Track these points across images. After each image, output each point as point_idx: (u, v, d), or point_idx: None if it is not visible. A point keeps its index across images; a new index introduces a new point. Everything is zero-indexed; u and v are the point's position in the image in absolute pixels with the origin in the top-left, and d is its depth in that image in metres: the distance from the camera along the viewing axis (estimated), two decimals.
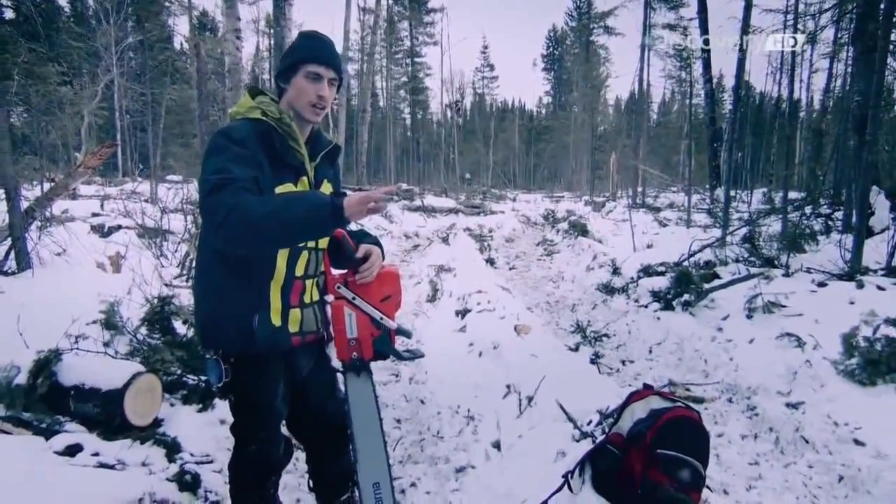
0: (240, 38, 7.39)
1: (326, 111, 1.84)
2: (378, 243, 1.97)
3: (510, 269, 10.11)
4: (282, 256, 1.78)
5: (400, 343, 1.97)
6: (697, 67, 19.83)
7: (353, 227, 2.07)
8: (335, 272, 1.95)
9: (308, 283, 1.88)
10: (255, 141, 1.70)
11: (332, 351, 2.00)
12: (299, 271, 1.83)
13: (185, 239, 6.89)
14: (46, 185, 6.78)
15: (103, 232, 8.41)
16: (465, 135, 56.28)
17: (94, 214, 10.57)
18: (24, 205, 5.28)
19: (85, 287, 4.64)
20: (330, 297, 1.93)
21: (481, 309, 6.01)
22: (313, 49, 1.79)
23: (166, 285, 5.29)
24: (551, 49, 62.70)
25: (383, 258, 1.95)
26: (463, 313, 6.11)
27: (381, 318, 1.87)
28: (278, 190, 1.72)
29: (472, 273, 8.28)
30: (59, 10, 34.38)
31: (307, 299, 1.88)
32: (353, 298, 1.87)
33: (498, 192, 36.54)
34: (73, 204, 11.43)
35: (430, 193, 25.71)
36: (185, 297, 4.56)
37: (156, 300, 4.01)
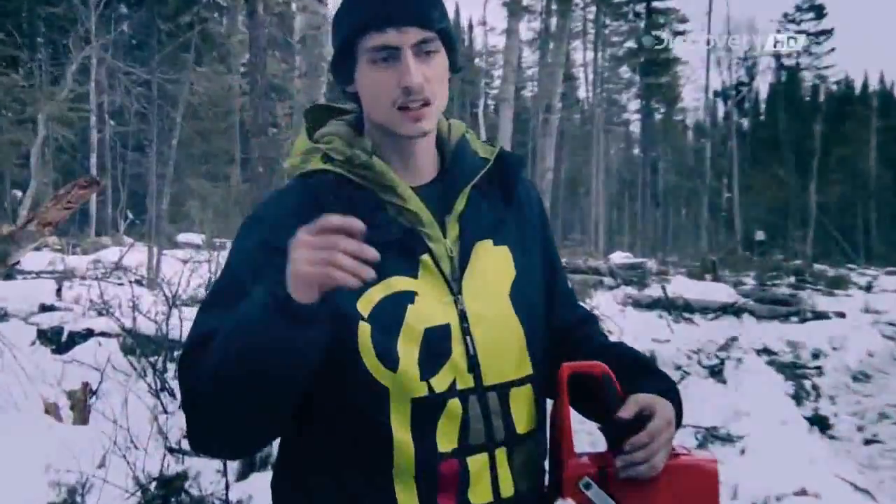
0: None
1: (436, 107, 1.63)
2: (672, 389, 1.70)
3: (867, 442, 9.22)
4: (399, 423, 1.57)
5: None
6: None
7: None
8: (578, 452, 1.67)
9: (477, 461, 1.64)
10: (305, 222, 1.49)
11: None
12: (446, 443, 1.60)
13: None
14: None
15: (60, 343, 8.27)
16: (753, 150, 47.43)
17: (45, 308, 10.08)
18: None
19: (23, 454, 4.65)
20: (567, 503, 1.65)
21: None
22: (362, 4, 1.62)
23: (171, 451, 5.17)
24: None
25: (678, 425, 1.66)
26: None
27: None
28: (372, 297, 1.56)
29: (781, 448, 7.51)
30: None
31: (480, 496, 1.64)
32: None
33: (830, 269, 32.64)
34: (9, 287, 10.66)
35: (678, 271, 23.96)
36: (207, 476, 4.55)
37: (152, 484, 4.00)
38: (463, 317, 1.57)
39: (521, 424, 1.68)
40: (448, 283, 1.58)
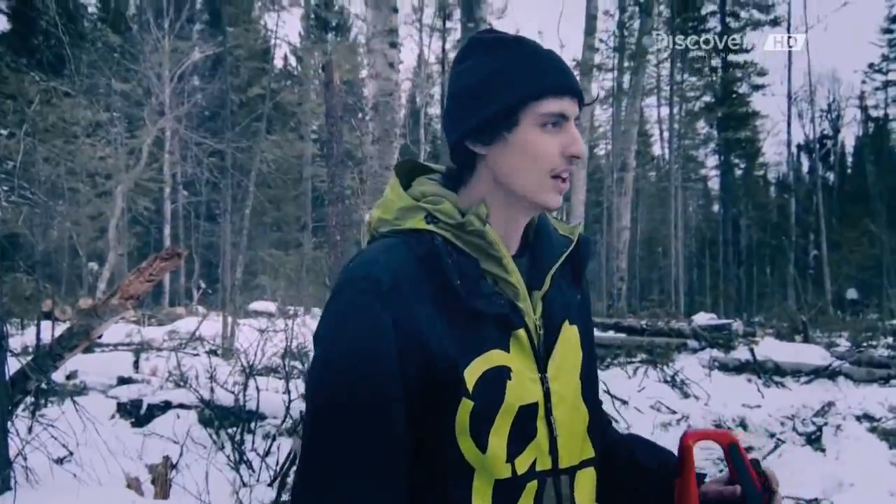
0: (396, 45, 6.72)
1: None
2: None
3: None
4: (479, 495, 1.49)
5: None
6: None
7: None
8: None
9: None
10: (423, 292, 1.46)
11: None
12: None
13: (286, 428, 6.82)
14: (47, 328, 6.90)
15: (139, 416, 8.28)
16: (841, 205, 44.22)
17: (123, 380, 10.12)
18: (11, 368, 5.12)
19: None
20: None
21: None
22: (543, 69, 1.54)
23: None
24: None
25: None
26: None
27: None
28: (475, 370, 1.46)
29: None
30: (82, 8, 28.31)
31: None
32: None
33: None
34: (88, 361, 10.50)
35: (766, 332, 21.59)
36: None
37: None
38: (547, 396, 1.53)
39: None
40: (537, 361, 1.54)
